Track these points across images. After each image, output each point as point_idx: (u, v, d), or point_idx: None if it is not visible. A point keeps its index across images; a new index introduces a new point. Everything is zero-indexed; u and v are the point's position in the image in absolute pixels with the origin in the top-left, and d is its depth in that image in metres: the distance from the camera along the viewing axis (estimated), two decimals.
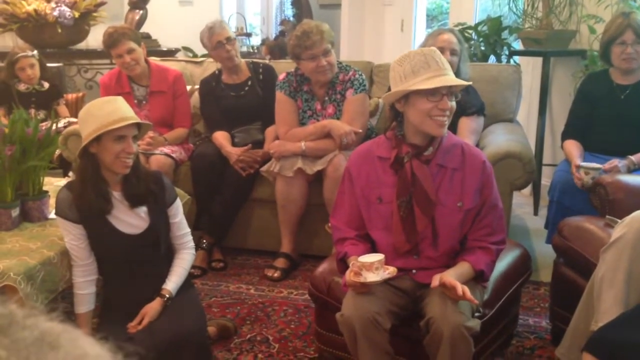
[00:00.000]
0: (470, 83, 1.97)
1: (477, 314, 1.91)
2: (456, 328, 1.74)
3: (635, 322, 1.71)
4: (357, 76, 3.14)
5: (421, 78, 1.83)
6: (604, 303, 1.87)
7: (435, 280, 1.81)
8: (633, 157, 2.84)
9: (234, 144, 3.33)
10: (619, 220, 1.99)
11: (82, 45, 5.40)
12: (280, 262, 3.18)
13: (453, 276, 1.81)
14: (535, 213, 4.01)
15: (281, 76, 3.25)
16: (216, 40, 3.34)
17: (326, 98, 3.19)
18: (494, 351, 2.25)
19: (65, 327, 0.50)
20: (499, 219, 1.99)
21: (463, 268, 1.89)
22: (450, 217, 1.94)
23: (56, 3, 4.99)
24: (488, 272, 1.94)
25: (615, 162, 2.80)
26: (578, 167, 2.79)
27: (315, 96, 3.21)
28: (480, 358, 2.08)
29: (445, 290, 1.80)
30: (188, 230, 2.25)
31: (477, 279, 1.90)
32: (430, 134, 1.91)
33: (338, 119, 3.12)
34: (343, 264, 1.99)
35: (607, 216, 2.31)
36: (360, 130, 3.07)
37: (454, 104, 1.88)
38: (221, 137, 3.34)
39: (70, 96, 4.39)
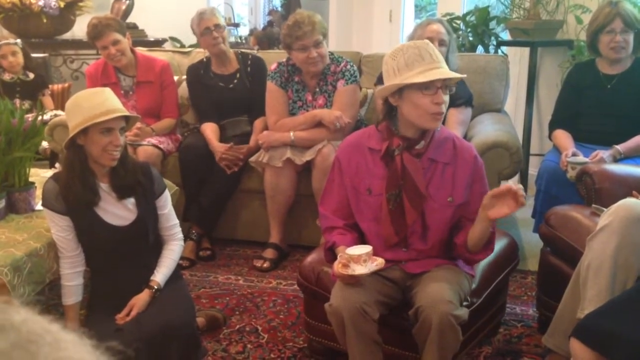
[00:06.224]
0: (465, 76, 1.92)
1: (465, 303, 1.93)
2: (444, 317, 1.76)
3: (622, 309, 1.73)
4: (348, 67, 3.13)
5: (415, 71, 1.81)
6: (591, 291, 1.89)
7: (486, 202, 1.78)
8: (619, 147, 2.86)
9: (223, 135, 3.32)
10: (605, 209, 2.01)
11: (67, 36, 5.34)
12: (269, 253, 3.18)
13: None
14: None
15: (272, 66, 3.23)
16: (204, 26, 3.31)
17: (317, 89, 3.17)
18: (482, 339, 2.27)
19: (47, 328, 0.45)
20: None
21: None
22: (440, 212, 1.94)
23: None
24: (493, 242, 1.94)
25: (600, 153, 2.81)
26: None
27: (306, 87, 3.20)
28: (468, 346, 2.10)
29: (487, 209, 1.78)
30: (177, 221, 2.24)
31: (487, 244, 1.91)
32: (425, 127, 1.90)
33: None
34: (331, 253, 1.99)
35: (594, 205, 2.33)
36: (350, 121, 3.07)
37: (447, 97, 1.87)
38: (209, 131, 3.31)
39: (56, 87, 4.35)
